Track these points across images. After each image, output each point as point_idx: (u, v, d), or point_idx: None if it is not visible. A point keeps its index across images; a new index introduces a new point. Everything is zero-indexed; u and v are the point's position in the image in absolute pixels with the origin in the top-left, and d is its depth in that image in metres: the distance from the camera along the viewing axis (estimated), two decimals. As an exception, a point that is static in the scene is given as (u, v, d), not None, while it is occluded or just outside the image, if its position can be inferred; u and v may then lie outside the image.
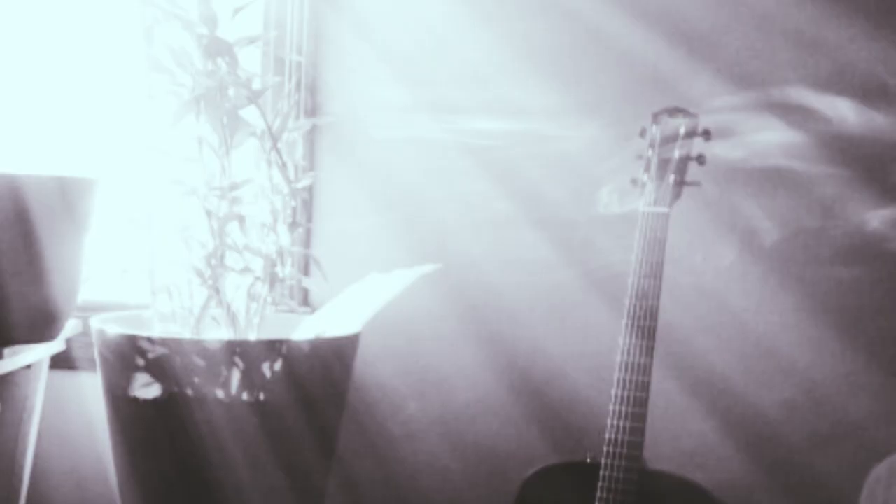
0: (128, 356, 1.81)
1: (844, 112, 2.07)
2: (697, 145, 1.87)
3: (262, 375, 1.78)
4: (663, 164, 1.86)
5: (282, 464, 1.83)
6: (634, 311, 1.80)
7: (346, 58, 2.22)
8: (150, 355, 1.79)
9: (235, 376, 1.77)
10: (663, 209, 1.84)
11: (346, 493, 2.25)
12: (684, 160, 1.86)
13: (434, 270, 2.01)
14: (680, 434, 2.15)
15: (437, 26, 2.20)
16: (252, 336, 1.95)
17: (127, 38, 1.94)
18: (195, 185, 1.92)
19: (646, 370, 1.77)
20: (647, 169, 1.88)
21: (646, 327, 1.79)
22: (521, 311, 2.20)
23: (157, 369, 1.78)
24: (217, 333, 1.93)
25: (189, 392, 1.77)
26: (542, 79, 2.17)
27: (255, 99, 1.89)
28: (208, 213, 1.91)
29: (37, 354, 1.99)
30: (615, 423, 1.77)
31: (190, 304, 1.94)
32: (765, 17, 2.10)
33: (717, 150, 2.03)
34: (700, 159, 1.86)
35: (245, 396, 1.78)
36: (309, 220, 2.24)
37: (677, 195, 1.86)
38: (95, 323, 1.91)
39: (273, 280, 1.95)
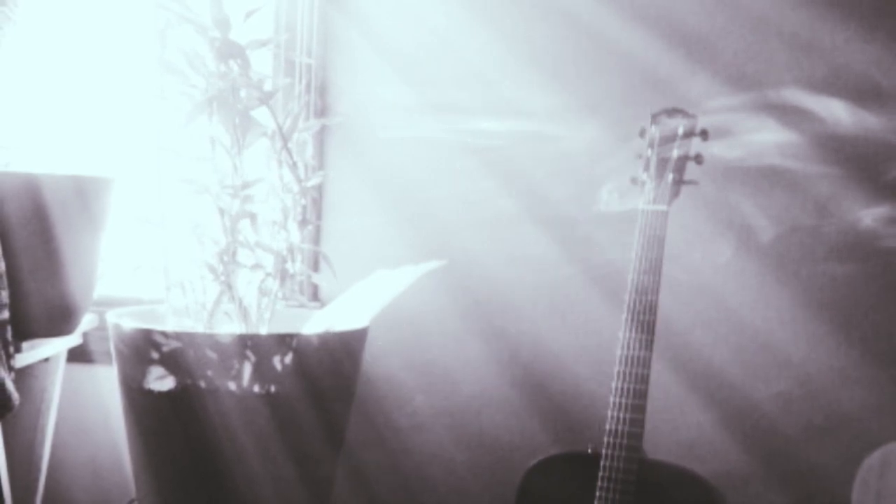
0: (143, 349, 1.83)
1: (839, 113, 2.09)
2: (695, 145, 1.88)
3: (273, 368, 1.81)
4: (662, 163, 1.88)
5: (292, 454, 1.85)
6: (634, 306, 1.81)
7: (355, 60, 2.24)
8: (165, 349, 1.81)
9: (247, 369, 1.80)
10: (662, 207, 1.85)
11: (354, 483, 2.26)
12: (683, 160, 1.87)
13: (439, 267, 2.02)
14: (679, 426, 2.17)
15: (441, 29, 2.22)
16: (263, 330, 1.97)
17: (141, 40, 1.96)
18: (208, 184, 1.94)
19: (645, 363, 1.79)
20: (647, 168, 1.89)
21: (645, 322, 1.80)
22: (524, 306, 2.22)
23: (171, 362, 1.80)
24: (229, 327, 1.95)
25: (202, 384, 1.80)
26: (544, 80, 2.19)
27: (266, 100, 1.92)
28: (221, 211, 1.93)
29: (54, 348, 2.02)
30: (615, 414, 1.78)
31: (203, 300, 1.97)
32: (761, 19, 2.12)
33: (714, 149, 2.05)
34: (698, 159, 1.88)
35: (256, 389, 1.80)
36: (318, 217, 2.26)
37: (676, 194, 1.87)
38: (111, 317, 1.92)
39: (283, 276, 1.97)
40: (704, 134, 1.88)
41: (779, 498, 2.15)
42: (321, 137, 2.25)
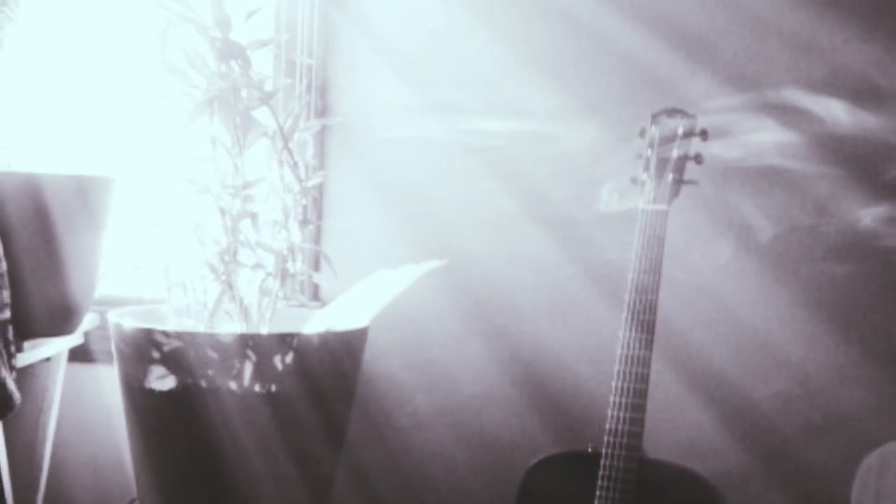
0: (144, 349, 1.83)
1: (837, 113, 2.09)
2: (695, 145, 1.89)
3: (274, 368, 1.81)
4: (662, 163, 1.88)
5: (292, 453, 1.86)
6: (634, 306, 1.82)
7: (355, 60, 2.24)
8: (166, 348, 1.81)
9: (248, 369, 1.80)
10: (662, 207, 1.86)
11: (354, 482, 2.26)
12: (682, 159, 1.88)
13: (440, 267, 2.03)
14: (678, 425, 2.18)
15: (441, 29, 2.23)
16: (264, 330, 1.97)
17: (142, 41, 1.96)
18: (209, 184, 1.94)
19: (645, 363, 1.79)
20: (647, 168, 1.89)
21: (645, 321, 1.81)
22: (525, 306, 2.22)
23: (172, 362, 1.81)
24: (230, 327, 1.96)
25: (203, 384, 1.80)
26: (544, 80, 2.20)
27: (267, 100, 1.92)
28: (221, 211, 1.94)
29: (56, 347, 2.03)
30: (615, 413, 1.79)
31: (204, 299, 1.97)
32: (761, 20, 2.13)
33: (714, 149, 2.06)
34: (698, 159, 1.88)
35: (257, 388, 1.81)
36: (319, 217, 2.26)
37: (676, 193, 1.88)
38: (112, 317, 1.93)
39: (284, 276, 1.98)
40: (704, 134, 1.89)
41: (778, 497, 2.16)
42: (322, 137, 2.25)
